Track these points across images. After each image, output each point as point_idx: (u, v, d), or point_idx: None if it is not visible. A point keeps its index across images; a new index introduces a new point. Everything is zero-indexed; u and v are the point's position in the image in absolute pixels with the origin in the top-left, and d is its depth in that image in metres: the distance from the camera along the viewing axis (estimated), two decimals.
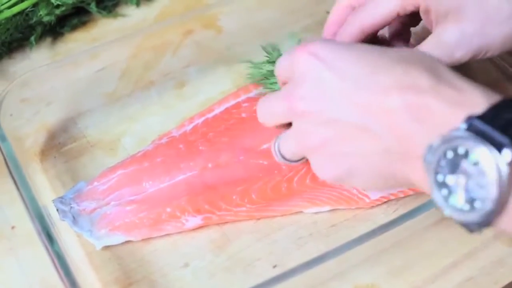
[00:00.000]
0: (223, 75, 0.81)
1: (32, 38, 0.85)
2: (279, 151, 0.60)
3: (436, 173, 0.48)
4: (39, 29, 0.85)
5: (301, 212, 0.68)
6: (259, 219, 0.68)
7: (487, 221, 0.46)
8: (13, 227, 0.67)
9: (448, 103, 0.49)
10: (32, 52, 0.85)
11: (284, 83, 0.59)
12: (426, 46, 0.63)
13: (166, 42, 0.81)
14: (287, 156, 0.60)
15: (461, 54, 0.61)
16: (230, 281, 0.64)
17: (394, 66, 0.53)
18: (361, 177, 0.56)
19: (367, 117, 0.52)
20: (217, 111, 0.73)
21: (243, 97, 0.74)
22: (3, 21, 0.81)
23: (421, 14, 0.64)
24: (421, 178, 0.50)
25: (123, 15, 0.90)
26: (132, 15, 0.90)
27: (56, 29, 0.87)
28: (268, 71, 0.74)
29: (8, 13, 0.81)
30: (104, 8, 0.89)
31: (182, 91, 0.79)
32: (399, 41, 0.71)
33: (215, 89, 0.79)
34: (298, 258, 0.61)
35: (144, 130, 0.75)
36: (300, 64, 0.56)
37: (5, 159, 0.66)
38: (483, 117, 0.46)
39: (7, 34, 0.82)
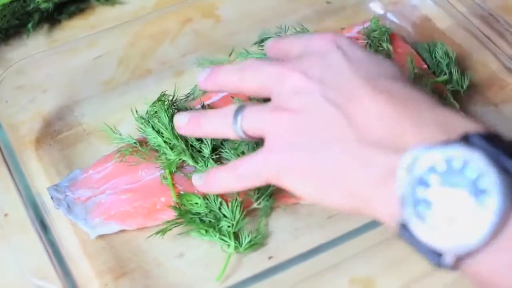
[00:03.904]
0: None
1: (29, 25, 0.84)
2: (241, 124, 0.57)
3: (418, 184, 0.44)
4: (36, 16, 0.84)
5: (298, 203, 0.68)
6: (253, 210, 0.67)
7: (468, 249, 0.42)
8: (6, 215, 0.67)
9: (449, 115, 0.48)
10: (29, 39, 0.85)
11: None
12: None
13: (164, 30, 0.81)
14: (249, 132, 0.57)
15: None
16: (225, 272, 0.63)
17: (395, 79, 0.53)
18: (313, 177, 0.52)
19: (352, 110, 0.51)
20: (214, 98, 0.72)
21: None
22: (0, 8, 0.81)
23: None
24: (386, 196, 0.47)
25: (121, 3, 0.89)
26: (130, 2, 0.89)
27: (54, 16, 0.86)
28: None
29: None
30: None
31: (180, 79, 0.79)
32: None
33: None
34: (294, 249, 0.61)
35: None
36: (319, 46, 0.57)
37: None
38: (486, 137, 0.43)
39: (4, 21, 0.82)
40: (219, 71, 0.62)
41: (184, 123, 0.64)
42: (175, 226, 0.65)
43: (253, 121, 0.57)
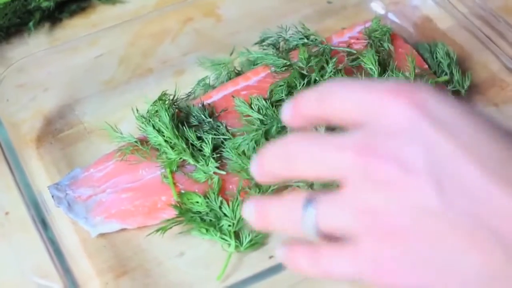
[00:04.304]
0: None
1: (31, 24, 0.84)
2: (315, 221, 0.42)
3: None
4: (37, 15, 0.84)
5: None
6: None
7: None
8: (7, 213, 0.67)
9: None
10: (30, 37, 0.85)
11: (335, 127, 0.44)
12: None
13: (165, 29, 0.81)
14: (327, 231, 0.42)
15: None
16: (226, 271, 0.63)
17: None
18: None
19: (491, 220, 0.38)
20: (215, 98, 0.73)
21: (242, 84, 0.74)
22: (1, 6, 0.81)
23: None
24: None
25: (122, 2, 0.89)
26: (131, 1, 0.89)
27: (55, 14, 0.86)
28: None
29: None
30: None
31: (181, 79, 0.79)
32: None
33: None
34: None
35: None
36: (394, 114, 0.40)
37: (0, 145, 0.65)
38: None
39: (5, 19, 0.82)
40: (261, 161, 0.46)
41: (251, 218, 0.47)
42: (175, 225, 0.65)
43: (334, 220, 0.42)
